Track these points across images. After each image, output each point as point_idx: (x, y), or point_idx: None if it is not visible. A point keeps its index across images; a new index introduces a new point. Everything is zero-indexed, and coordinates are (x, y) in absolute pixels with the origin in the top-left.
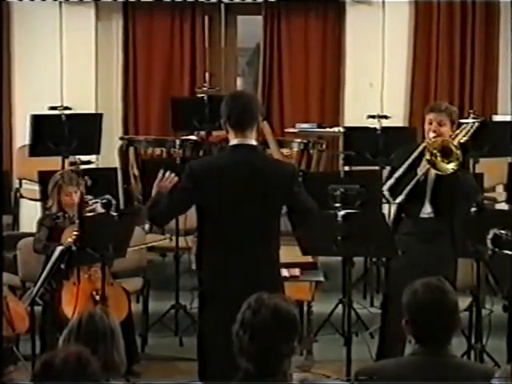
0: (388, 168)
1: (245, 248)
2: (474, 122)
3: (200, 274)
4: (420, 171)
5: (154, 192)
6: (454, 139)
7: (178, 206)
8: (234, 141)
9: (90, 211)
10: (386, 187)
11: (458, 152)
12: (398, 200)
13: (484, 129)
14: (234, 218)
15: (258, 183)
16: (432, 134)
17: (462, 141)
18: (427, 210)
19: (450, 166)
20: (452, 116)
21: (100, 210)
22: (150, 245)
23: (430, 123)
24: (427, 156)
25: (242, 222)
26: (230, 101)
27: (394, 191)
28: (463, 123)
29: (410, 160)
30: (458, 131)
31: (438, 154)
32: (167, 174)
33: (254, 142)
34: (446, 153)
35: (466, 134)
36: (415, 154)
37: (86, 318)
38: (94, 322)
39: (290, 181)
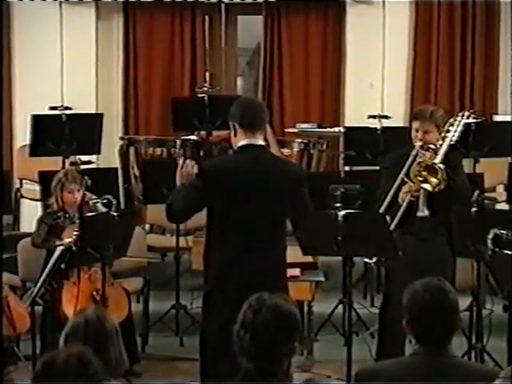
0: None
1: (255, 248)
2: (460, 121)
3: (207, 273)
4: (400, 197)
5: (178, 182)
6: (443, 141)
7: (193, 206)
8: (243, 141)
9: (91, 211)
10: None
11: (443, 173)
12: (393, 227)
13: (475, 129)
14: (244, 218)
15: (267, 182)
16: (419, 143)
17: (452, 143)
18: (424, 212)
19: (435, 181)
20: (437, 122)
21: (101, 209)
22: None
23: (417, 131)
24: (418, 178)
25: (252, 221)
26: (244, 102)
27: (390, 209)
28: (452, 122)
29: (397, 183)
30: (446, 127)
31: (425, 173)
32: (187, 161)
33: (262, 143)
34: (431, 170)
35: (454, 135)
36: (401, 175)
37: (92, 317)
38: (101, 322)
39: (299, 181)
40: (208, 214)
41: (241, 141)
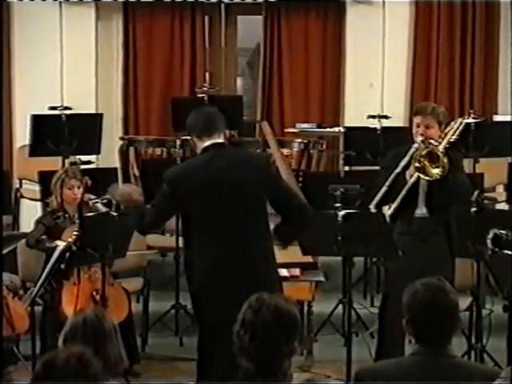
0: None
1: (236, 244)
2: (461, 122)
3: (190, 276)
4: (408, 175)
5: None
6: (443, 139)
7: (165, 216)
8: (204, 145)
9: (91, 211)
10: (373, 204)
11: (445, 159)
12: (391, 211)
13: (475, 129)
14: (219, 217)
15: (235, 176)
16: (420, 138)
17: (451, 140)
18: (422, 211)
19: (436, 171)
20: (439, 117)
21: (101, 209)
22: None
23: (418, 126)
24: (416, 164)
25: (228, 218)
26: (195, 115)
27: (385, 201)
28: (452, 122)
29: (396, 171)
30: (447, 129)
31: (426, 160)
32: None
33: (222, 141)
34: (433, 158)
35: (455, 133)
36: (402, 163)
37: (91, 316)
38: (100, 321)
39: (265, 167)
40: (182, 220)
41: (201, 146)
